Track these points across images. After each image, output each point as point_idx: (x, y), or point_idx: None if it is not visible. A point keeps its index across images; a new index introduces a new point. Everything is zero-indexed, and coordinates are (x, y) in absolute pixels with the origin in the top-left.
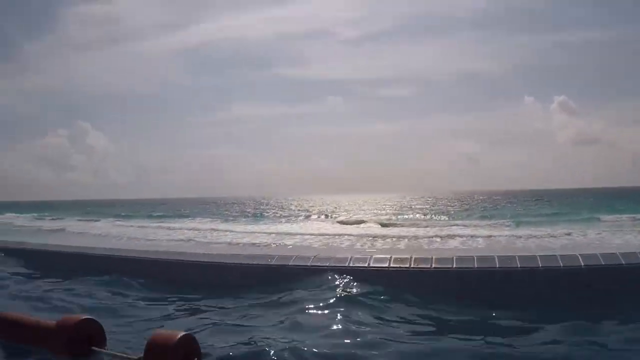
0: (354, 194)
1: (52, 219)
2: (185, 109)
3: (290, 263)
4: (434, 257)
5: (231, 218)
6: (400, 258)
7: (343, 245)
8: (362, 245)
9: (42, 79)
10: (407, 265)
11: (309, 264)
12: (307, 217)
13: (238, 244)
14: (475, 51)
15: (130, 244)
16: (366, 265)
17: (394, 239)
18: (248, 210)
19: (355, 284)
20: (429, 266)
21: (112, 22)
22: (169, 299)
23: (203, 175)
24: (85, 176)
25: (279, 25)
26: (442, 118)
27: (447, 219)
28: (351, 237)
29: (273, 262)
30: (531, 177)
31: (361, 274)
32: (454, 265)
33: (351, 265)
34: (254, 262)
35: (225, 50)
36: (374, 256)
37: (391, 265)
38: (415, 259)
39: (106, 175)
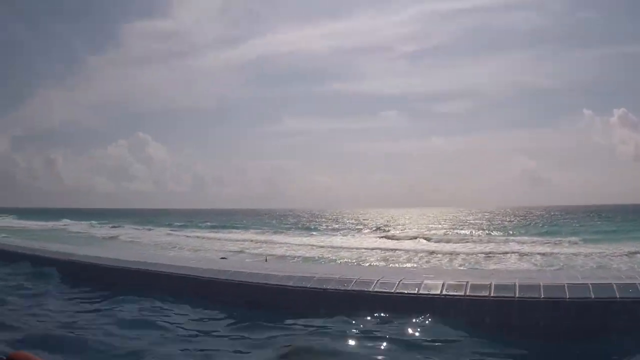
0: (409, 209)
1: (112, 227)
2: (242, 122)
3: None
4: (493, 283)
5: (283, 230)
6: (454, 284)
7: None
8: (414, 264)
9: (105, 92)
10: (463, 293)
11: (348, 288)
12: (359, 230)
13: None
14: (532, 66)
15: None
16: (415, 291)
17: (448, 255)
18: (302, 222)
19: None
20: (487, 294)
21: (173, 37)
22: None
23: (259, 187)
24: (145, 186)
25: (335, 40)
26: (500, 134)
27: (502, 234)
28: (407, 252)
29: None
30: (591, 192)
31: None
32: (517, 295)
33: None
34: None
35: (282, 64)
36: (424, 282)
37: (444, 292)
38: (472, 285)
39: (164, 185)
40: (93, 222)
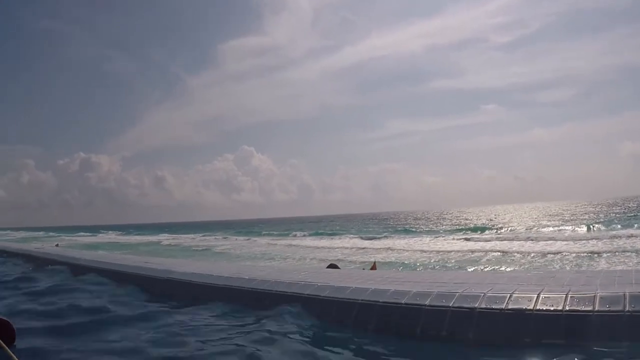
0: (518, 204)
1: (217, 238)
2: (344, 129)
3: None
4: (598, 294)
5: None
6: (550, 297)
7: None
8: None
9: (206, 109)
10: (561, 308)
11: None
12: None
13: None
14: (632, 44)
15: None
16: (503, 306)
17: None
18: (403, 224)
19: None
20: (591, 308)
21: (268, 52)
22: None
23: (365, 192)
24: (252, 196)
25: (428, 38)
26: (604, 119)
27: (605, 228)
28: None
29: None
30: None
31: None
32: (627, 308)
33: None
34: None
35: (379, 68)
36: (514, 294)
37: (537, 307)
38: (572, 297)
39: (271, 195)
40: (193, 234)
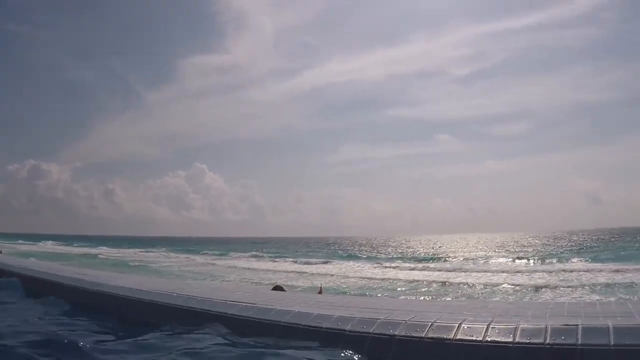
0: (468, 234)
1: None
2: (300, 152)
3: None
4: (580, 325)
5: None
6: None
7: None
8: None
9: (163, 124)
10: (542, 341)
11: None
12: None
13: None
14: (590, 82)
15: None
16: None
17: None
18: (345, 249)
19: None
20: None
21: (229, 71)
22: None
23: (317, 216)
24: (202, 214)
25: (389, 67)
26: (558, 154)
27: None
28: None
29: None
30: None
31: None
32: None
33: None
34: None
35: (338, 94)
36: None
37: (517, 340)
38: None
39: (222, 213)
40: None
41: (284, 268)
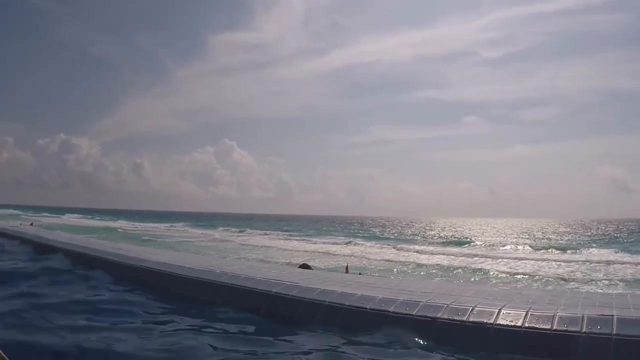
0: (493, 218)
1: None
2: (328, 131)
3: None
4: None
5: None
6: (538, 315)
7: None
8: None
9: (191, 100)
10: (549, 327)
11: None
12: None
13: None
14: (621, 69)
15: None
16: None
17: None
18: (372, 230)
19: None
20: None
21: (257, 49)
22: None
23: (344, 195)
24: (229, 190)
25: (418, 48)
26: (587, 141)
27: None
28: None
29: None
30: None
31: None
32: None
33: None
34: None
35: (366, 74)
36: (502, 310)
37: (525, 324)
38: (561, 317)
39: (249, 190)
40: (157, 223)
41: (306, 247)
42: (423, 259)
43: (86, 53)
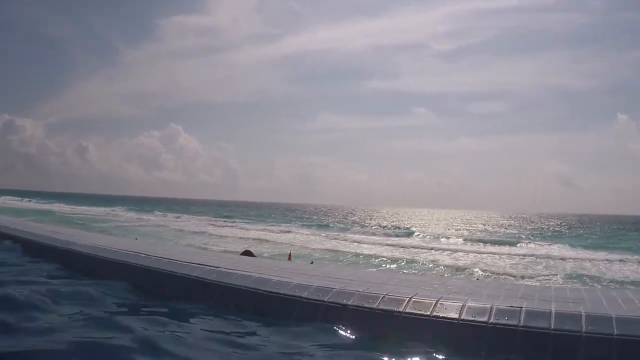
0: (439, 209)
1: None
2: (277, 117)
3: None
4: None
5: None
6: (476, 307)
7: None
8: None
9: (140, 83)
10: (486, 320)
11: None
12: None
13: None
14: (571, 68)
15: None
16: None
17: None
18: (313, 218)
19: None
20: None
21: (210, 33)
22: None
23: (291, 182)
24: (174, 175)
25: (372, 38)
26: (533, 136)
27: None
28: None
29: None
30: (627, 201)
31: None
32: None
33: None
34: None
35: (319, 62)
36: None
37: (462, 317)
38: (498, 309)
39: (195, 175)
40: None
41: (246, 234)
42: (354, 247)
43: (34, 32)
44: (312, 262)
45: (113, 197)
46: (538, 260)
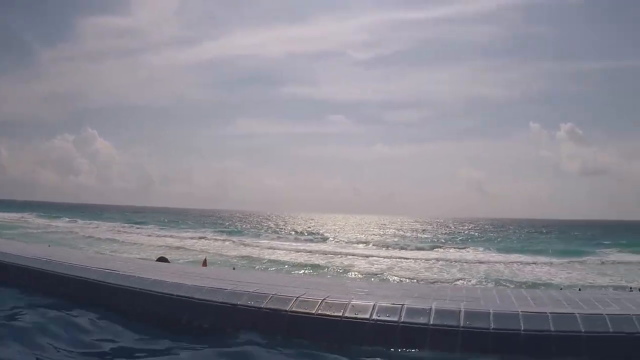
0: (355, 215)
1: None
2: (195, 122)
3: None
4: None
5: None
6: (387, 307)
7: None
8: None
9: (56, 85)
10: (397, 319)
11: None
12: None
13: None
14: (485, 78)
15: None
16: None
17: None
18: (225, 224)
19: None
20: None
21: (129, 34)
22: None
23: (209, 188)
24: (88, 180)
25: (291, 45)
26: (449, 144)
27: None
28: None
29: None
30: (538, 206)
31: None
32: (461, 324)
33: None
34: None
35: (237, 67)
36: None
37: (374, 316)
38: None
39: (109, 181)
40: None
41: (159, 241)
42: (268, 253)
43: None
44: (234, 268)
45: (25, 202)
46: (453, 264)
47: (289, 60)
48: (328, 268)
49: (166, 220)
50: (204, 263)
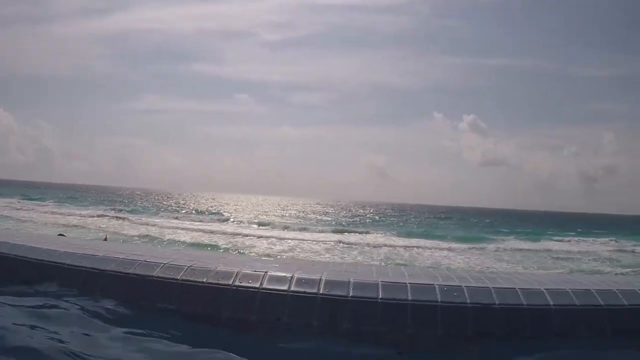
0: (257, 195)
1: None
2: (99, 96)
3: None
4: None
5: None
6: (305, 279)
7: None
8: None
9: None
10: (316, 291)
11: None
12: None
13: None
14: (392, 66)
15: None
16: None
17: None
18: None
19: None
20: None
21: (35, 1)
22: None
23: (110, 164)
24: None
25: (200, 21)
26: (353, 128)
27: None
28: None
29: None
30: (439, 193)
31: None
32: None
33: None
34: None
35: (144, 41)
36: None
37: (292, 288)
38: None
39: (6, 153)
40: None
41: (55, 220)
42: (168, 232)
43: None
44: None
45: None
46: (353, 246)
47: (198, 36)
48: (229, 249)
49: (65, 197)
50: (105, 238)
